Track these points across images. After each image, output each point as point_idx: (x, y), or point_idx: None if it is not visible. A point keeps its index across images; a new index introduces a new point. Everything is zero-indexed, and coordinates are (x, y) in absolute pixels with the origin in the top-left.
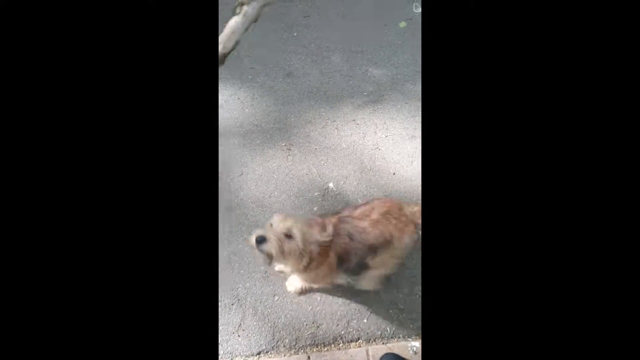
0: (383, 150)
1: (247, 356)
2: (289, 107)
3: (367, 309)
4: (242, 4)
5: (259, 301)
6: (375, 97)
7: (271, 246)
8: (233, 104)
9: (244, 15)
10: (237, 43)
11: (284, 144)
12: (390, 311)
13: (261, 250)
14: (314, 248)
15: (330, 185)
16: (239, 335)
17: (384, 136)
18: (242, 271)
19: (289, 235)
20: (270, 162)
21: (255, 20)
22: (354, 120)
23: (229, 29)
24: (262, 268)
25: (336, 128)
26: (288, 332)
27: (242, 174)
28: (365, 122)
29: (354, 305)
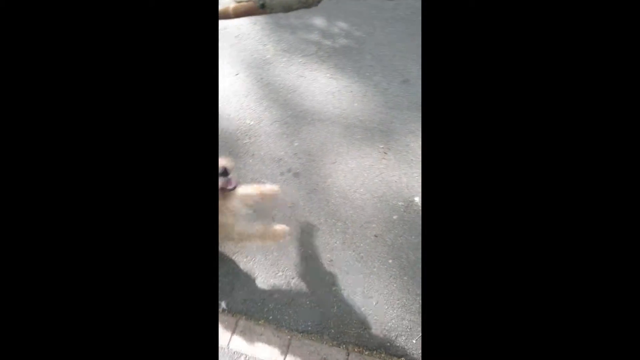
0: None
1: (291, 330)
2: (396, 113)
3: (419, 330)
4: None
5: (317, 284)
6: None
7: None
8: (344, 95)
9: None
10: None
11: (382, 146)
12: None
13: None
14: None
15: (416, 199)
16: (289, 308)
17: None
18: (309, 251)
19: None
20: (364, 160)
21: None
22: None
23: None
24: (328, 256)
25: None
26: (336, 324)
27: (335, 162)
28: None
29: (406, 322)
